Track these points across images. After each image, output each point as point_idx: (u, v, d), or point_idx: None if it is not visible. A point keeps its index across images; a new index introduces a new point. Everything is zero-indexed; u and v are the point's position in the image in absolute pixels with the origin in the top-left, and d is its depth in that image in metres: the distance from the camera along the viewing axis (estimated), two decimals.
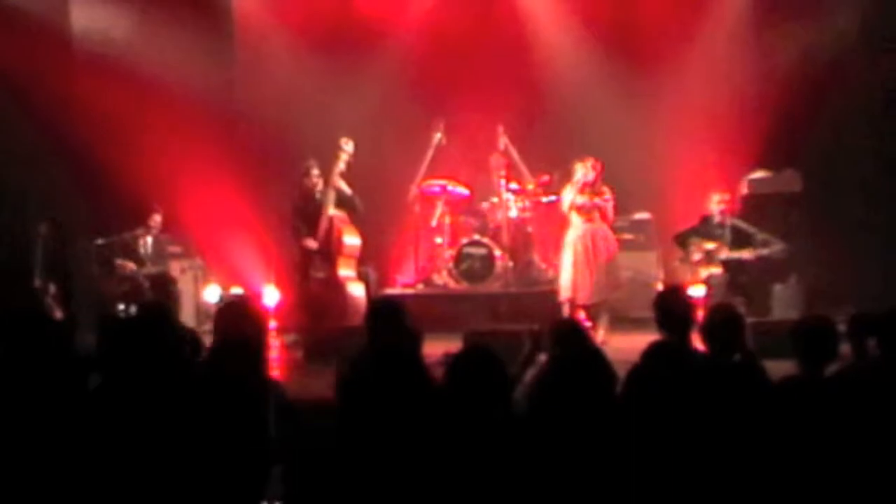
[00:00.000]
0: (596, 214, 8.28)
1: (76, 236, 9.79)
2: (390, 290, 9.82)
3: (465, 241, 9.75)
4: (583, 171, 8.24)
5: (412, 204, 9.94)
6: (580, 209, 8.22)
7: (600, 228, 8.22)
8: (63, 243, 9.34)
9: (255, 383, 3.74)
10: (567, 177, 8.47)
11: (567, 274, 8.14)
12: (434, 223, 9.97)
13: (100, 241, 9.33)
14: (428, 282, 9.91)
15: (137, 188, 9.62)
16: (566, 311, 8.17)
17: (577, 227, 8.23)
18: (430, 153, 9.86)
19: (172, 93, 10.10)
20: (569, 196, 8.22)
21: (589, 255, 8.11)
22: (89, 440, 3.50)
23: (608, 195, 8.32)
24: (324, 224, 8.89)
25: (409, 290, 9.80)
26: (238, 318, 4.10)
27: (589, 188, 8.17)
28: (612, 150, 8.97)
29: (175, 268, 9.47)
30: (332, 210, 8.92)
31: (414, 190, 9.88)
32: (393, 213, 10.10)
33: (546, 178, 9.66)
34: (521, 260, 9.84)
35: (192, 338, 4.24)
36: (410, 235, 10.12)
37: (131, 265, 9.22)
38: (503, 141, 9.72)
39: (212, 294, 10.19)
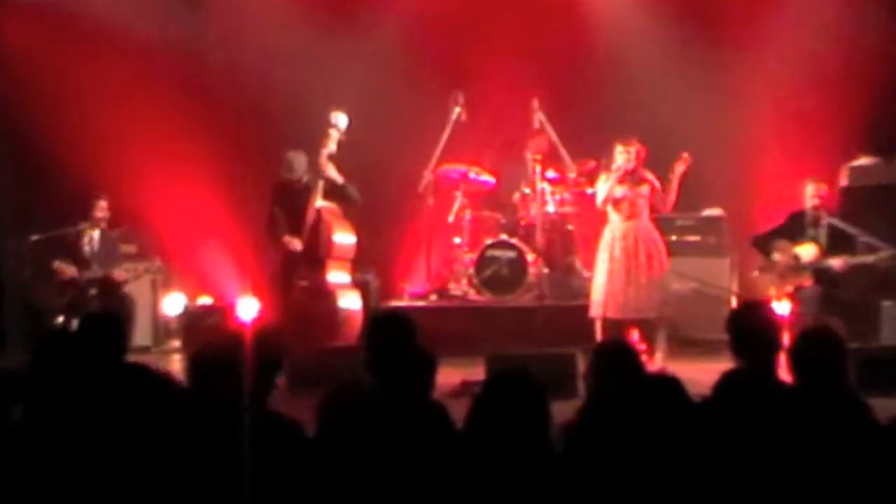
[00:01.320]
0: (641, 209, 8.16)
1: (3, 231, 9.87)
2: (395, 302, 9.84)
3: (489, 241, 9.78)
4: (623, 156, 8.16)
5: (424, 195, 9.94)
6: (618, 203, 8.14)
7: (644, 227, 8.10)
8: None
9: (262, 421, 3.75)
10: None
11: (599, 284, 8.09)
12: (451, 219, 10.00)
13: (34, 238, 9.36)
14: (443, 292, 9.93)
15: (81, 171, 9.67)
16: (599, 330, 8.10)
17: (614, 226, 8.15)
18: (446, 132, 9.88)
19: (126, 49, 10.15)
20: (604, 187, 8.15)
21: (630, 260, 8.02)
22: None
23: (653, 183, 8.17)
24: (310, 219, 8.90)
25: (420, 303, 9.82)
26: (222, 338, 4.12)
27: (629, 177, 8.12)
28: (674, 131, 8.95)
29: (128, 271, 9.49)
30: (319, 201, 8.93)
31: (427, 177, 9.89)
32: (399, 206, 10.17)
33: (592, 163, 9.60)
34: (558, 265, 9.86)
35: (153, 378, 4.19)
36: (421, 234, 10.12)
37: (72, 270, 9.23)
38: (538, 118, 9.71)
39: (174, 305, 10.22)
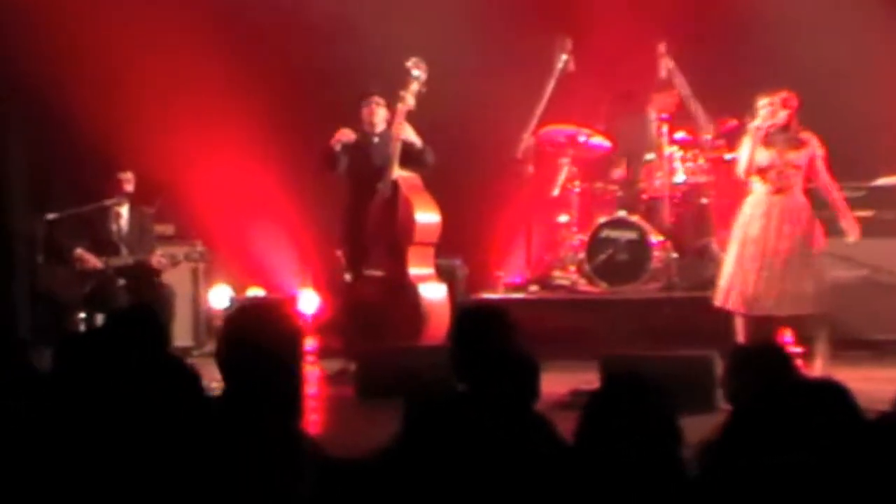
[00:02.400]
0: (793, 180, 8.00)
1: (13, 209, 10.05)
2: (488, 294, 9.87)
3: (603, 219, 9.77)
4: (767, 110, 8.00)
5: (523, 163, 9.95)
6: (764, 172, 8.04)
7: (795, 203, 7.97)
8: None
9: (286, 442, 3.80)
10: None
11: (727, 269, 8.04)
12: (556, 192, 9.98)
13: (49, 217, 9.42)
14: (546, 282, 9.95)
15: (107, 137, 9.79)
16: (741, 328, 8.01)
17: (757, 199, 8.07)
18: (550, 86, 9.89)
19: None
20: (746, 152, 8.03)
21: (769, 241, 7.90)
22: None
23: (813, 149, 8.02)
24: (384, 193, 8.95)
25: (518, 295, 9.86)
26: (260, 334, 4.12)
27: (780, 139, 7.97)
28: (841, 82, 8.88)
29: (164, 257, 9.47)
30: (396, 171, 8.98)
31: (526, 141, 9.90)
32: (492, 177, 10.18)
33: (732, 122, 9.50)
34: (690, 248, 9.84)
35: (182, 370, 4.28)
36: (519, 211, 10.16)
37: (95, 261, 9.28)
38: (665, 66, 9.68)
39: (220, 297, 10.33)
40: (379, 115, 9.01)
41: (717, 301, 8.07)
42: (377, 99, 9.03)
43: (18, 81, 10.07)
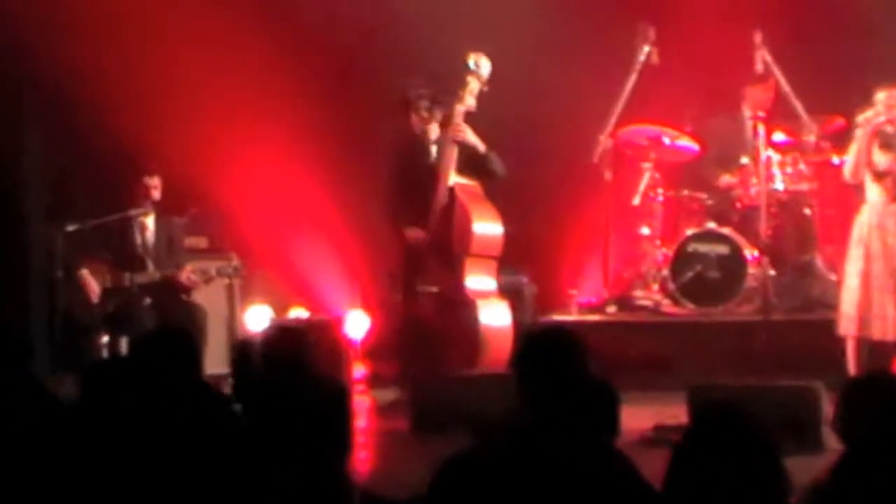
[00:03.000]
0: None
1: (29, 219, 10.06)
2: (559, 316, 9.85)
3: (691, 231, 9.74)
4: (885, 103, 8.09)
5: (599, 167, 9.91)
6: (881, 178, 8.11)
7: None
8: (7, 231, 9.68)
9: (329, 482, 3.84)
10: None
11: (851, 291, 8.13)
12: (637, 201, 9.94)
13: (69, 229, 9.48)
14: (626, 302, 9.93)
15: (133, 139, 9.82)
16: (853, 356, 8.04)
17: (874, 209, 8.16)
18: (631, 81, 9.84)
19: None
20: (855, 150, 8.17)
21: (892, 256, 8.06)
22: None
23: None
24: (440, 201, 8.99)
25: (594, 316, 9.84)
26: (302, 358, 4.34)
27: None
28: None
29: (195, 273, 9.57)
30: (453, 177, 9.01)
31: (603, 143, 9.87)
32: (564, 184, 10.15)
33: (839, 121, 9.49)
34: (791, 264, 9.76)
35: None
36: (595, 222, 10.10)
37: (93, 285, 9.26)
38: (762, 58, 9.61)
39: (258, 318, 10.38)
40: (429, 118, 9.08)
41: (846, 328, 8.12)
42: (425, 103, 9.08)
43: (35, 76, 10.16)
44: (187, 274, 9.35)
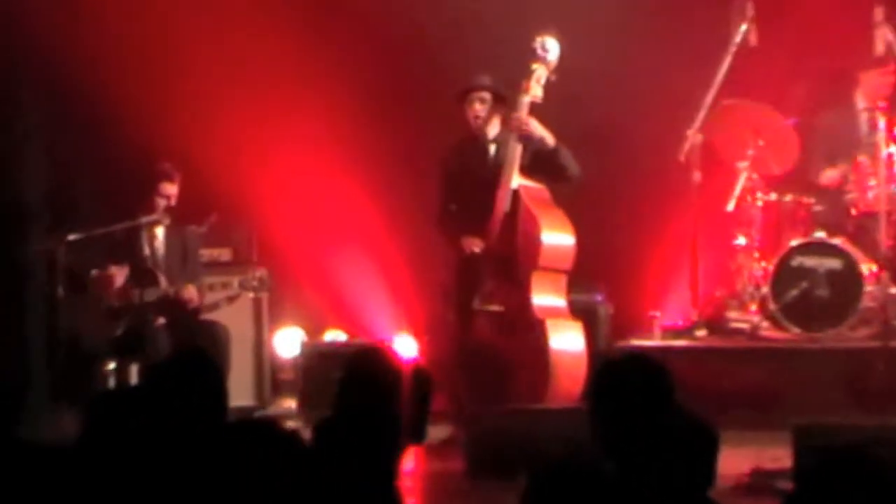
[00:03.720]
0: None
1: (27, 228, 10.06)
2: (639, 341, 9.81)
3: (796, 242, 9.69)
4: None
5: (687, 167, 9.84)
6: None
7: None
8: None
9: None
10: None
11: None
12: (732, 206, 9.84)
13: (71, 238, 9.48)
14: (719, 324, 9.85)
15: (145, 137, 9.88)
16: None
17: None
18: (724, 65, 9.78)
19: None
20: None
21: None
22: None
23: None
24: (501, 206, 8.97)
25: (681, 342, 9.77)
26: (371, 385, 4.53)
27: None
28: None
29: (216, 289, 9.65)
30: (517, 179, 8.99)
31: (692, 138, 9.79)
32: (646, 188, 10.16)
33: None
34: None
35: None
36: (682, 230, 10.03)
37: (119, 276, 9.29)
38: (883, 38, 9.57)
39: (289, 342, 10.41)
40: (487, 113, 9.09)
41: None
42: (482, 95, 9.10)
43: (36, 63, 10.21)
44: (191, 290, 9.32)
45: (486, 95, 9.07)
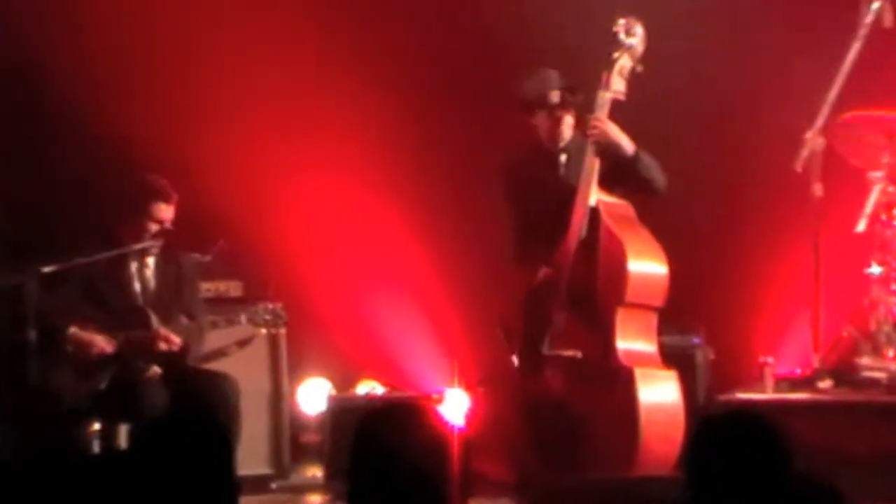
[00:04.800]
0: None
1: None
2: (747, 394, 9.68)
3: None
4: None
5: (807, 179, 9.73)
6: None
7: None
8: None
9: None
10: None
11: None
12: (862, 227, 9.75)
13: (45, 270, 9.43)
14: (847, 373, 9.73)
15: (135, 148, 10.04)
16: None
17: None
18: (853, 54, 9.70)
19: None
20: None
21: None
22: None
23: None
24: (576, 228, 8.99)
25: (800, 395, 9.66)
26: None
27: None
28: None
29: (220, 327, 9.65)
30: (595, 194, 9.00)
31: (812, 143, 9.69)
32: (753, 204, 10.22)
33: None
34: None
35: None
36: (800, 258, 9.93)
37: (97, 340, 9.28)
38: None
39: (313, 397, 10.57)
40: (561, 118, 9.14)
41: None
42: (556, 98, 9.12)
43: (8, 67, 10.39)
44: (164, 332, 9.28)
45: (560, 95, 9.09)
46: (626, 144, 8.94)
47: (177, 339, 9.27)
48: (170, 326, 9.34)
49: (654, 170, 8.98)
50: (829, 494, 4.68)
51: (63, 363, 9.33)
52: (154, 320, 9.32)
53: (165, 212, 9.38)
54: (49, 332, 9.28)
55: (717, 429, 4.87)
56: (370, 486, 4.33)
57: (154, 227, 9.39)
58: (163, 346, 9.26)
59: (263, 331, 9.79)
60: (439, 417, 4.89)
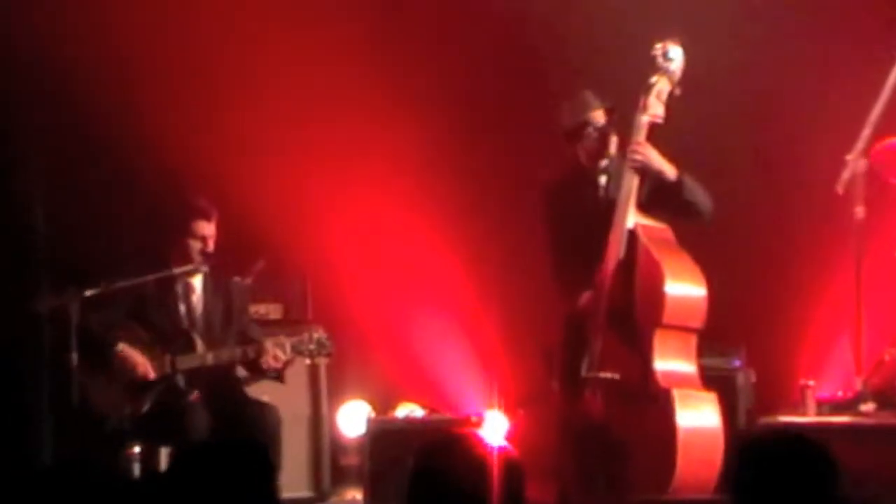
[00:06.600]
0: None
1: (36, 281, 10.24)
2: (789, 417, 9.61)
3: None
4: None
5: (848, 201, 9.66)
6: None
7: None
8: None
9: None
10: None
11: None
12: None
13: (88, 294, 9.44)
14: (890, 396, 9.65)
15: (177, 172, 10.07)
16: None
17: None
18: (894, 75, 9.59)
19: None
20: None
21: None
22: None
23: None
24: (615, 250, 9.01)
25: (842, 418, 9.57)
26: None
27: None
28: None
29: (278, 348, 9.54)
30: (633, 216, 9.02)
31: (853, 165, 9.61)
32: (794, 226, 10.22)
33: None
34: None
35: None
36: (842, 280, 9.87)
37: (142, 362, 9.31)
38: None
39: (353, 419, 10.58)
40: (603, 142, 9.17)
41: None
42: (598, 120, 9.14)
43: (39, 74, 10.39)
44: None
45: (601, 119, 9.12)
46: (668, 170, 8.96)
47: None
48: (216, 351, 9.33)
49: (698, 194, 8.99)
50: None
51: (108, 384, 9.32)
52: (199, 345, 9.34)
53: (207, 229, 9.42)
54: (97, 348, 9.29)
55: (763, 450, 4.88)
56: None
57: (197, 246, 9.42)
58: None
59: (307, 361, 9.79)
60: (494, 447, 4.96)
